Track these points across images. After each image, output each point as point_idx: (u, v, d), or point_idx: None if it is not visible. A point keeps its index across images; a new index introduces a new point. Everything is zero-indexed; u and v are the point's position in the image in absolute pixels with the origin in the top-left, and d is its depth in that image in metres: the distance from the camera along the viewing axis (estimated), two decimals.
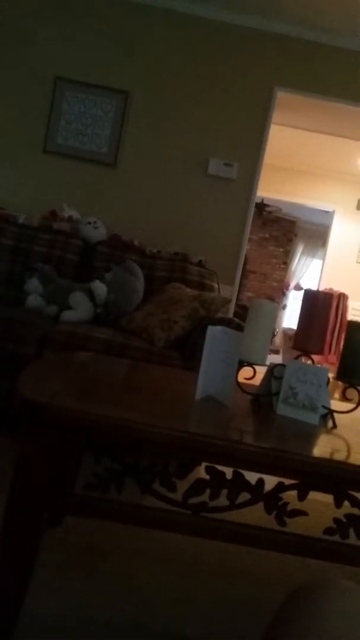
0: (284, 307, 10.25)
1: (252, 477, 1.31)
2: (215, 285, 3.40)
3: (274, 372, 1.60)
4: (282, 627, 0.68)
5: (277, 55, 3.80)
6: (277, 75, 3.81)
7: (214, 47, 3.79)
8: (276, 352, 7.85)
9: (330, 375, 1.63)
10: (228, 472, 1.31)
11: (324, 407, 1.54)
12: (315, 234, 9.91)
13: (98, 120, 3.79)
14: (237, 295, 4.06)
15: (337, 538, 1.35)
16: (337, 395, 4.59)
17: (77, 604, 1.47)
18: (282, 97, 3.88)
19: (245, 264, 8.40)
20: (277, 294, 10.28)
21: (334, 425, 1.55)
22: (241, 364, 1.57)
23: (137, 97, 3.80)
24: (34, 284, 3.00)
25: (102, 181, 3.83)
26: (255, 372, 1.61)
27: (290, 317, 10.03)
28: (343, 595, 0.69)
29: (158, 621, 1.48)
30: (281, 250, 10.34)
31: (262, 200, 8.40)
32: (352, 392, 1.59)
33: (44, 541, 1.70)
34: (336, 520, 1.35)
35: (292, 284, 10.30)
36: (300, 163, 6.80)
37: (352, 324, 1.63)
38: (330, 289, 6.20)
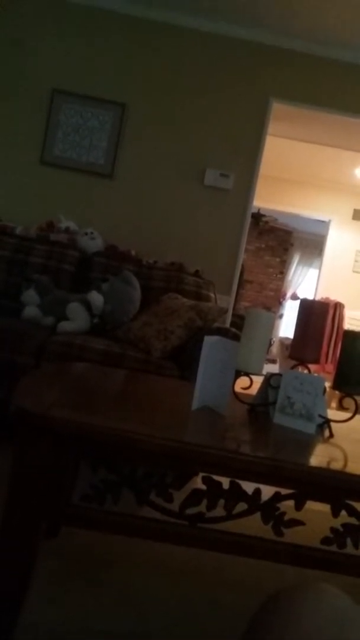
0: (281, 316, 10.27)
1: (249, 487, 1.30)
2: (212, 295, 3.41)
3: (270, 382, 1.60)
4: (258, 630, 0.68)
5: (273, 67, 3.83)
6: (273, 87, 3.84)
7: (211, 59, 3.82)
8: (273, 361, 7.85)
9: (327, 384, 1.63)
10: (225, 482, 1.31)
11: (321, 417, 1.54)
12: (312, 243, 9.95)
13: (95, 131, 3.81)
14: (234, 304, 4.07)
15: (334, 548, 1.34)
16: (333, 404, 4.59)
17: (75, 614, 1.46)
18: (278, 108, 3.91)
19: (241, 273, 8.41)
20: (274, 303, 10.30)
21: (331, 435, 1.55)
22: (238, 374, 1.57)
23: (134, 108, 3.83)
24: (30, 294, 3.01)
25: (99, 192, 3.85)
26: (251, 381, 1.62)
27: (287, 326, 10.04)
28: (319, 597, 0.69)
29: (156, 631, 1.47)
30: (277, 260, 10.37)
31: (259, 210, 8.43)
32: (348, 401, 1.59)
33: (41, 552, 1.69)
34: (333, 530, 1.35)
35: (289, 294, 10.33)
36: (296, 173, 6.84)
37: (349, 333, 1.63)
38: (327, 299, 6.22)
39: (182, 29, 3.80)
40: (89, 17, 3.80)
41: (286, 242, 10.31)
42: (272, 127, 4.00)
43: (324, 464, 1.31)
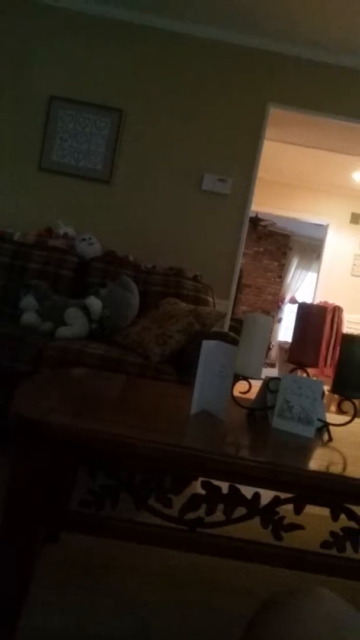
0: (279, 320, 10.27)
1: (248, 491, 1.30)
2: (210, 300, 3.41)
3: (269, 386, 1.60)
4: (255, 634, 0.68)
5: (271, 72, 3.85)
6: (270, 92, 3.86)
7: (208, 64, 3.84)
8: (272, 365, 7.86)
9: (326, 388, 1.63)
10: (224, 486, 1.30)
11: (320, 420, 1.54)
12: (310, 247, 9.96)
13: (93, 137, 3.82)
14: (232, 309, 4.07)
15: (334, 551, 1.34)
16: (332, 408, 4.59)
17: (74, 621, 1.46)
18: (275, 112, 3.93)
19: (240, 278, 8.43)
20: (273, 307, 10.31)
21: (330, 438, 1.55)
22: (236, 378, 1.57)
23: (131, 114, 3.84)
24: (29, 300, 3.01)
25: (97, 198, 3.86)
26: (250, 386, 1.62)
27: (285, 330, 10.05)
28: (315, 601, 0.70)
29: (155, 636, 1.47)
30: (276, 264, 10.39)
31: (257, 214, 8.45)
32: (347, 405, 1.59)
33: (41, 558, 1.69)
34: (333, 534, 1.35)
35: (287, 298, 10.33)
36: (294, 178, 6.86)
37: (347, 337, 1.64)
38: (325, 302, 6.22)
39: (179, 35, 3.82)
40: (86, 24, 3.81)
41: (284, 246, 10.33)
42: (269, 131, 4.01)
43: (323, 468, 1.31)
